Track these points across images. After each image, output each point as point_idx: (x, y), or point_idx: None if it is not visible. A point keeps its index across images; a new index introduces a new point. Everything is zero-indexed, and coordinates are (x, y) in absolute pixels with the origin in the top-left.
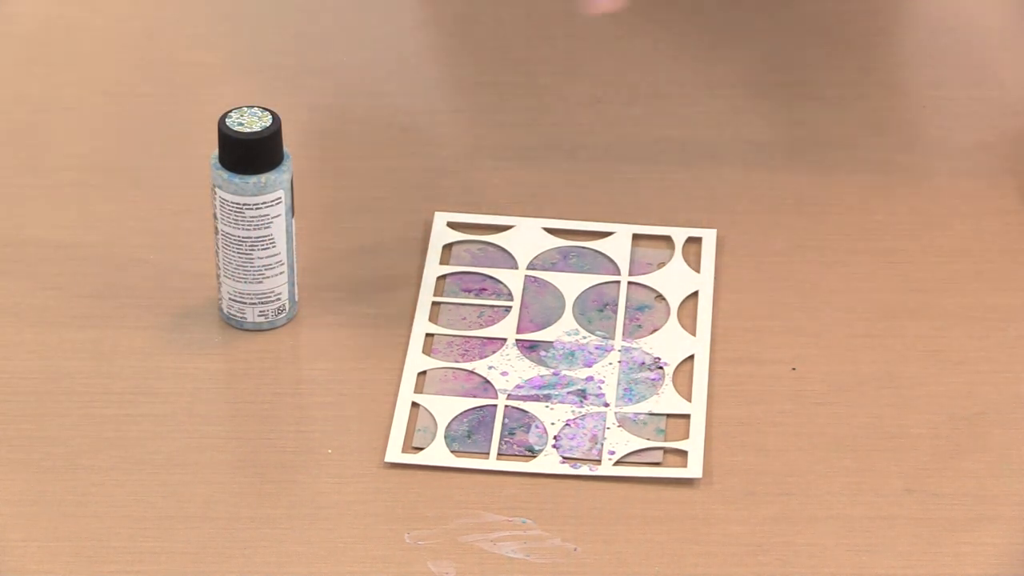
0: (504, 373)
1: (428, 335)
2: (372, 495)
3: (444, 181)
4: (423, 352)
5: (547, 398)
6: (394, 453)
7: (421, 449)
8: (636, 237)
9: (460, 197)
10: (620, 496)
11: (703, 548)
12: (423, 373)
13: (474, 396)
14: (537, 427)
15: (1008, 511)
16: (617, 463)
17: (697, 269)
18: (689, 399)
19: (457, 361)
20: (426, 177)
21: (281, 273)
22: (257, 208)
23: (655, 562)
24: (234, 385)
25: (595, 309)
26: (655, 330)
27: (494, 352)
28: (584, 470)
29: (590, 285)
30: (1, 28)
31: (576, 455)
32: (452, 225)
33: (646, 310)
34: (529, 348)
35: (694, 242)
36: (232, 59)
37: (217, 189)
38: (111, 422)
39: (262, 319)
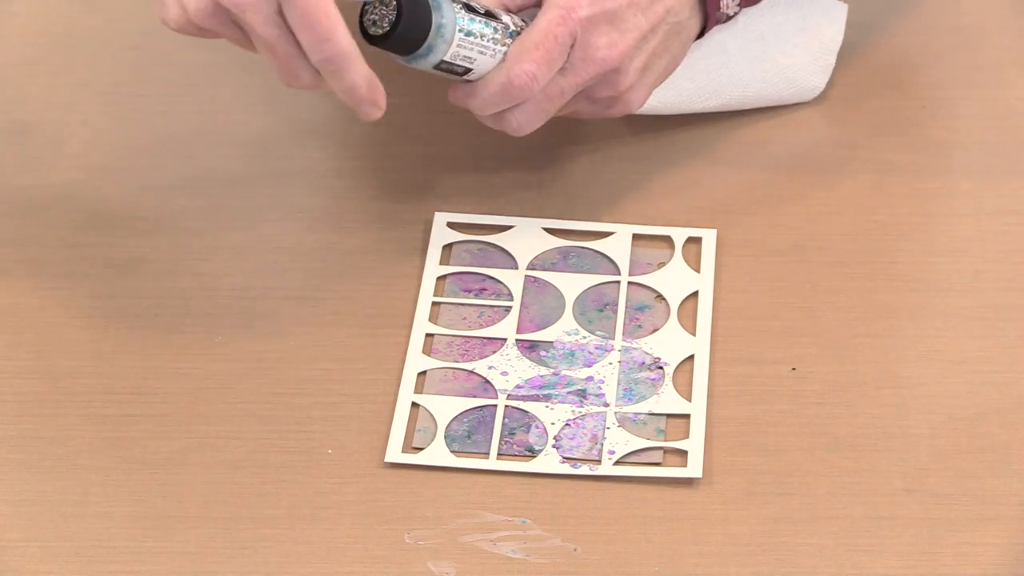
0: (504, 373)
1: (428, 335)
2: (372, 495)
3: (444, 181)
4: (423, 352)
5: (547, 398)
6: (394, 453)
7: (421, 449)
8: (636, 237)
9: (460, 197)
10: (620, 496)
11: (703, 548)
12: (423, 373)
13: (474, 396)
14: (537, 427)
15: (1008, 511)
16: (617, 463)
17: (697, 269)
18: (689, 399)
19: (457, 361)
20: (426, 177)
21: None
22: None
23: (655, 562)
24: (234, 385)
25: (595, 309)
26: (655, 330)
27: (494, 352)
28: (584, 470)
29: (590, 285)
30: (1, 28)
31: (576, 455)
32: (452, 225)
33: (646, 310)
34: (529, 348)
35: (694, 242)
36: (232, 59)
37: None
38: (111, 422)
39: None
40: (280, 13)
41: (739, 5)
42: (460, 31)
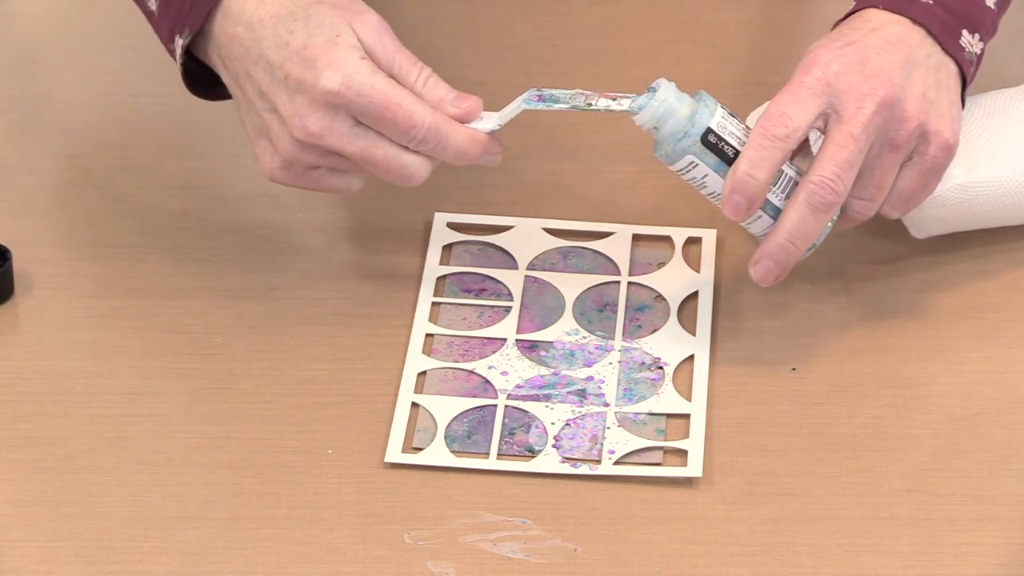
0: (504, 373)
1: (428, 335)
2: (372, 495)
3: (444, 181)
4: (423, 352)
5: (547, 398)
6: (394, 453)
7: (421, 449)
8: (636, 237)
9: (460, 197)
10: (620, 496)
11: (703, 548)
12: (423, 373)
13: (474, 396)
14: (537, 427)
15: (1008, 511)
16: (617, 463)
17: (697, 269)
18: (689, 399)
19: (457, 361)
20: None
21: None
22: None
23: (655, 562)
24: (234, 385)
25: (595, 309)
26: (655, 330)
27: (494, 352)
28: (584, 470)
29: (590, 285)
30: (1, 28)
31: (576, 455)
32: (452, 225)
33: (646, 310)
34: (529, 348)
35: (694, 242)
36: None
37: None
38: (111, 422)
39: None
40: (356, 128)
41: (981, 41)
42: (721, 106)
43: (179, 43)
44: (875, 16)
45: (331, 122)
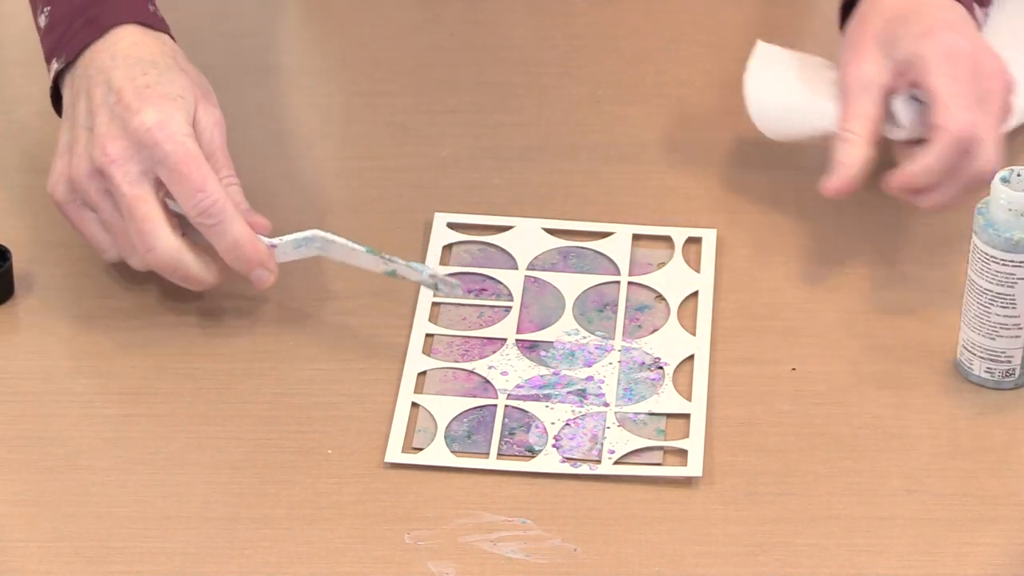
0: (504, 373)
1: (428, 335)
2: (372, 495)
3: (444, 181)
4: (423, 352)
5: (547, 398)
6: (394, 453)
7: (421, 449)
8: (636, 237)
9: (460, 197)
10: (620, 496)
11: (703, 548)
12: (423, 373)
13: (474, 396)
14: (537, 427)
15: (1008, 511)
16: (617, 463)
17: (697, 269)
18: (689, 399)
19: (457, 361)
20: (426, 177)
21: (1017, 337)
22: (1004, 264)
23: (655, 562)
24: (234, 385)
25: (595, 309)
26: (655, 330)
27: (494, 352)
28: (584, 469)
29: (590, 285)
30: (1, 28)
31: (576, 455)
32: (452, 225)
33: (646, 310)
34: (529, 348)
35: (694, 242)
36: (232, 59)
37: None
38: (111, 422)
39: (987, 376)
40: (144, 177)
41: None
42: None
43: (54, 67)
44: None
45: (128, 156)
